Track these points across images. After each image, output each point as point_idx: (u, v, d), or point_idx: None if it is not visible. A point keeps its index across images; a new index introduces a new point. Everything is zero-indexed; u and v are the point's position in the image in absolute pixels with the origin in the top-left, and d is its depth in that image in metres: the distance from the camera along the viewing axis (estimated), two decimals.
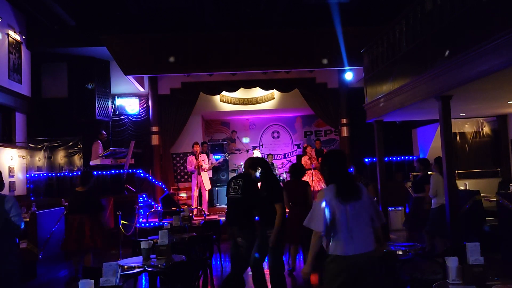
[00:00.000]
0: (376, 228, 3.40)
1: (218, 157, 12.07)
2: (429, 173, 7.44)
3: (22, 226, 4.46)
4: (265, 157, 12.77)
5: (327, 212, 3.27)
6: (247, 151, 13.44)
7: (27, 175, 10.66)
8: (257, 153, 12.22)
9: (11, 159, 9.99)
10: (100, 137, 11.25)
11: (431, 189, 6.86)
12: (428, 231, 7.02)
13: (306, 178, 11.19)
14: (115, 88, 12.50)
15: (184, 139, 12.84)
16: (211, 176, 11.72)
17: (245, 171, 5.25)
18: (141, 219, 9.92)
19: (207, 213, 10.87)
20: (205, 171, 10.96)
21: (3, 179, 4.65)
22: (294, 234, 6.15)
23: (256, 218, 5.24)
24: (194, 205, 10.86)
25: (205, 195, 10.98)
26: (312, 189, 10.95)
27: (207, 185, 10.96)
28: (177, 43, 11.02)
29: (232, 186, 5.17)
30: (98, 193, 7.18)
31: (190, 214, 7.43)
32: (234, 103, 13.29)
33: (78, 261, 6.81)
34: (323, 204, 3.30)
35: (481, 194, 7.54)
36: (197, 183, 10.88)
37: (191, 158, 10.95)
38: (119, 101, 12.58)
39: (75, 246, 6.63)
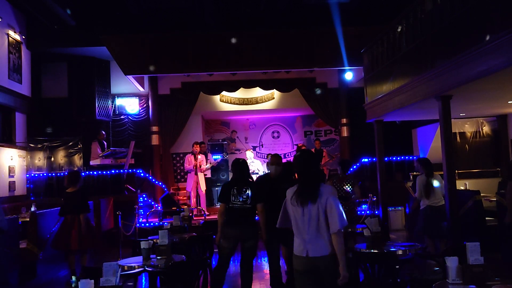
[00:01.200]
0: (332, 234, 3.24)
1: (217, 157, 12.06)
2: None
3: (6, 228, 4.41)
4: (265, 157, 12.77)
5: (285, 210, 3.48)
6: (246, 151, 13.43)
7: (27, 175, 10.65)
8: (249, 154, 12.21)
9: (11, 159, 9.99)
10: (98, 137, 11.22)
11: (417, 190, 6.83)
12: (418, 231, 7.00)
13: None
14: (115, 88, 12.50)
15: (184, 139, 12.84)
16: (209, 176, 11.71)
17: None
18: (141, 219, 9.92)
19: (207, 213, 10.87)
20: (202, 172, 10.95)
21: None
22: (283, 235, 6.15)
23: (256, 218, 5.27)
24: (193, 205, 10.86)
25: (203, 195, 10.97)
26: None
27: (203, 186, 10.95)
28: (177, 43, 11.02)
29: (235, 194, 5.10)
30: (88, 193, 7.11)
31: (190, 214, 7.43)
32: (234, 103, 13.29)
33: (73, 261, 6.79)
34: (284, 202, 3.49)
35: (481, 194, 7.54)
36: (194, 183, 10.85)
37: (189, 158, 10.94)
38: (119, 101, 12.58)
39: (63, 245, 6.62)
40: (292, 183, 3.56)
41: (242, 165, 5.34)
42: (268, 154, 12.81)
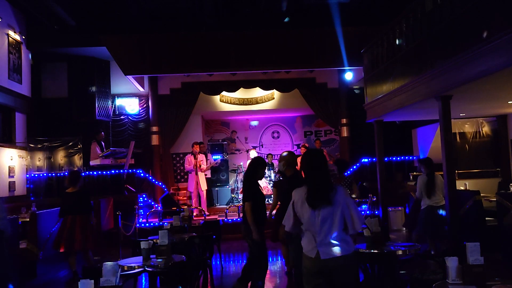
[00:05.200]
0: (352, 236, 3.27)
1: (217, 157, 12.07)
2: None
3: (9, 231, 4.40)
4: (265, 157, 12.77)
5: (294, 212, 3.31)
6: (247, 151, 13.44)
7: (27, 175, 10.65)
8: (253, 153, 12.21)
9: (11, 159, 9.99)
10: (97, 137, 11.21)
11: (417, 190, 6.83)
12: (419, 231, 7.00)
13: None
14: (115, 88, 12.50)
15: (184, 139, 12.84)
16: (209, 176, 11.71)
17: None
18: (141, 219, 9.92)
19: (207, 213, 10.87)
20: (202, 171, 10.96)
21: None
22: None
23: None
24: (194, 205, 10.86)
25: (203, 195, 10.98)
26: None
27: (204, 186, 10.96)
28: (177, 43, 11.02)
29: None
30: (89, 193, 7.11)
31: (190, 214, 7.43)
32: (234, 103, 13.29)
33: (74, 262, 6.78)
34: (291, 204, 3.34)
35: (481, 194, 7.53)
36: (195, 183, 10.86)
37: (189, 158, 10.95)
38: (119, 101, 12.59)
39: (66, 246, 6.61)
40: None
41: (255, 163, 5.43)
42: (268, 154, 12.81)
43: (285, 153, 5.26)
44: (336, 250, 3.16)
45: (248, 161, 6.09)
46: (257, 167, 5.35)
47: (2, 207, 4.35)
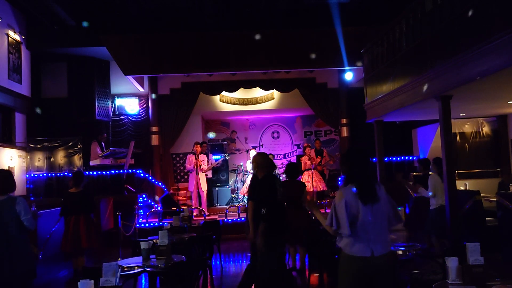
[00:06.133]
0: (396, 228, 3.38)
1: (217, 157, 12.06)
2: (429, 173, 7.43)
3: (33, 228, 4.54)
4: None
5: (348, 212, 3.22)
6: (247, 151, 13.44)
7: (27, 175, 10.65)
8: (253, 153, 12.19)
9: (11, 159, 9.99)
10: (99, 138, 11.22)
11: (430, 189, 6.83)
12: (426, 231, 7.01)
13: (306, 178, 11.23)
14: (115, 88, 12.50)
15: (184, 139, 12.84)
16: (210, 176, 11.71)
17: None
18: (141, 219, 9.92)
19: (207, 213, 10.87)
20: (203, 172, 10.96)
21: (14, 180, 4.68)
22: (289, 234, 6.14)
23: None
24: (194, 205, 10.86)
25: (203, 195, 10.98)
26: (313, 190, 11.00)
27: (204, 186, 10.95)
28: (177, 43, 11.02)
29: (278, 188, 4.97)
30: (92, 193, 7.13)
31: (190, 214, 7.43)
32: (234, 103, 13.29)
33: (82, 261, 6.79)
34: (343, 205, 3.22)
35: (481, 194, 7.53)
36: (195, 183, 10.86)
37: (190, 157, 10.95)
38: (119, 101, 12.58)
39: (73, 247, 6.62)
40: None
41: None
42: (269, 154, 12.78)
43: (256, 155, 5.26)
44: (387, 246, 3.25)
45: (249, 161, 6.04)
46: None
47: (26, 206, 4.48)
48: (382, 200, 3.30)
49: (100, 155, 10.68)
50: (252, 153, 12.20)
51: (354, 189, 3.26)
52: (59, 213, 6.80)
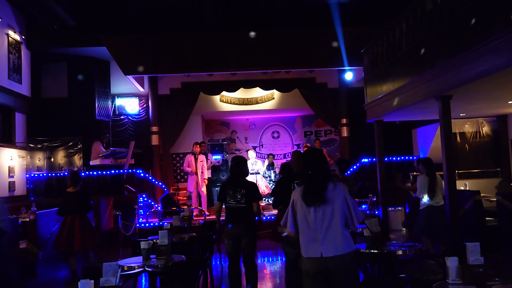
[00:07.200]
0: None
1: (217, 157, 12.06)
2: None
3: (9, 231, 4.42)
4: (265, 157, 12.76)
5: (294, 212, 3.35)
6: (247, 151, 13.45)
7: (27, 175, 10.65)
8: (252, 154, 12.19)
9: (11, 159, 9.99)
10: (101, 138, 11.23)
11: (418, 190, 6.83)
12: (416, 231, 7.00)
13: None
14: (115, 88, 12.50)
15: (184, 139, 12.85)
16: (210, 176, 11.71)
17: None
18: (141, 219, 9.92)
19: (207, 213, 10.87)
20: (202, 172, 10.95)
21: None
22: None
23: (256, 218, 5.29)
24: (194, 205, 10.86)
25: (203, 195, 10.97)
26: None
27: (203, 187, 10.95)
28: (177, 43, 11.02)
29: (230, 194, 5.24)
30: (88, 193, 7.13)
31: (190, 214, 7.43)
32: (234, 103, 13.30)
33: (74, 262, 6.79)
34: (291, 204, 3.38)
35: (481, 194, 7.54)
36: (195, 183, 10.85)
37: (189, 158, 10.94)
38: (119, 101, 12.58)
39: (66, 247, 6.61)
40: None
41: (240, 163, 5.36)
42: (269, 154, 12.80)
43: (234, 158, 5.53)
44: (339, 247, 3.18)
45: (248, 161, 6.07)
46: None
47: (3, 207, 4.38)
48: (335, 201, 3.23)
49: (100, 155, 10.69)
50: (251, 153, 12.21)
51: (302, 189, 3.34)
52: (56, 212, 6.81)
